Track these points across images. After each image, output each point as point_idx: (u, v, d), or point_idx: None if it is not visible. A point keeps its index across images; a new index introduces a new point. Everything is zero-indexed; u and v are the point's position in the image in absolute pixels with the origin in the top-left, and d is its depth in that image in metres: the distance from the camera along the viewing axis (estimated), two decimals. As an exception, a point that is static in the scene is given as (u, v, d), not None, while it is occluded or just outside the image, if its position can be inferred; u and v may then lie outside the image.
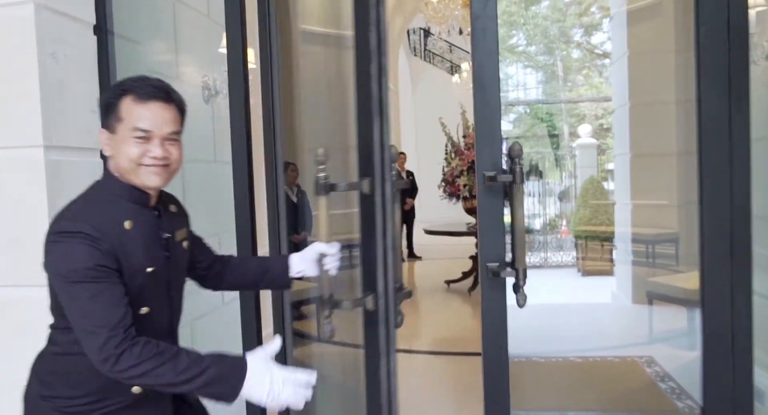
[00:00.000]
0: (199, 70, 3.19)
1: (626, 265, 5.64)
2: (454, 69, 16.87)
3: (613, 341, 4.11)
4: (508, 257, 1.93)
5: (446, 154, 6.74)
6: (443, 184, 6.62)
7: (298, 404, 1.30)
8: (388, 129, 1.93)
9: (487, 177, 1.87)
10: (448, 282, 6.89)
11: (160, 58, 2.91)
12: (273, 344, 1.38)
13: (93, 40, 2.15)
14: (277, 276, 1.83)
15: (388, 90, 2.04)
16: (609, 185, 11.36)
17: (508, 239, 1.92)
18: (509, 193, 1.85)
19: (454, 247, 9.30)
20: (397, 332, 1.96)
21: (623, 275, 5.69)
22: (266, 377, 1.28)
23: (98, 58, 2.16)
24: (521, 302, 1.85)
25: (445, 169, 6.68)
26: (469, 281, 6.58)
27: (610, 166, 13.06)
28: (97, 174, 1.48)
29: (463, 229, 7.07)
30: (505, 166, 1.89)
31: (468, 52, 16.53)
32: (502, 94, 1.96)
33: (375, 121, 1.90)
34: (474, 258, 6.63)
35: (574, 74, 21.83)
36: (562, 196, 11.49)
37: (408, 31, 16.76)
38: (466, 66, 14.08)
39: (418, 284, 7.86)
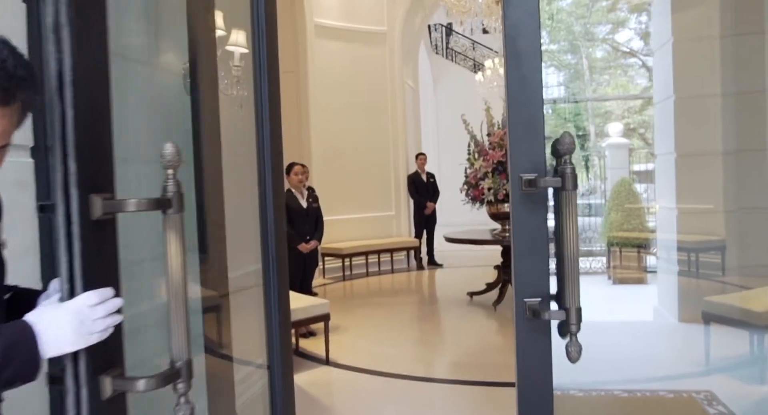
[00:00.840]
0: (181, 57, 2.75)
1: (670, 276, 5.06)
2: (477, 67, 16.34)
3: (662, 370, 3.54)
4: (553, 288, 1.43)
5: (469, 154, 6.22)
6: (465, 187, 6.11)
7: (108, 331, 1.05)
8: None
9: (524, 181, 1.37)
10: (471, 294, 6.37)
11: (131, 40, 2.46)
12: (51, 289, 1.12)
13: (21, 7, 1.68)
14: None
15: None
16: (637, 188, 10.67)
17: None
18: (556, 202, 1.35)
19: (478, 254, 8.80)
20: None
21: (667, 288, 5.11)
22: (62, 313, 1.01)
23: (28, 30, 1.70)
24: (574, 355, 1.34)
25: (468, 171, 6.16)
26: (494, 293, 6.05)
27: (638, 167, 12.40)
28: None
29: (487, 236, 6.55)
30: (548, 168, 1.38)
31: (491, 49, 15.99)
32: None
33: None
34: (499, 268, 6.10)
35: (599, 73, 21.10)
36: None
37: (429, 28, 16.29)
38: (489, 63, 13.49)
39: (439, 294, 7.36)
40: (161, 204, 1.14)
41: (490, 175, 5.79)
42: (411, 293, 7.34)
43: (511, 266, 1.48)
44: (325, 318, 4.27)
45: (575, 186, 1.31)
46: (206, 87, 2.75)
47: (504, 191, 5.71)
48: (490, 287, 6.22)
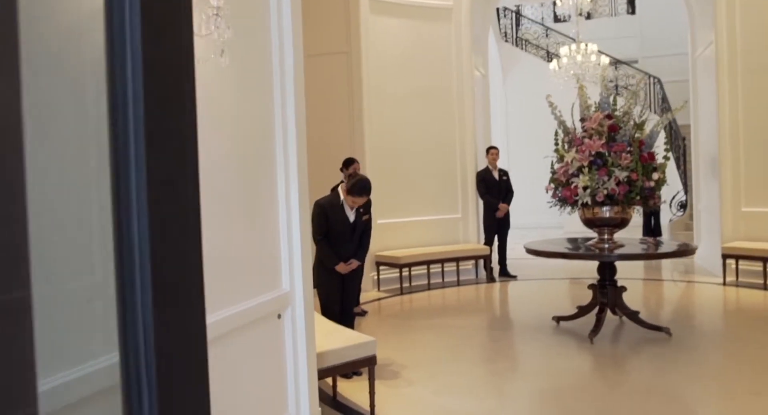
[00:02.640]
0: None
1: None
2: (550, 56, 14.88)
3: None
4: None
5: (556, 144, 4.98)
6: (552, 185, 4.87)
7: None
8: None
9: None
10: (558, 319, 5.12)
11: None
12: None
13: None
14: None
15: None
16: None
17: None
18: None
19: (559, 263, 7.52)
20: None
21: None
22: None
23: None
24: None
25: (556, 165, 4.92)
26: (588, 319, 4.78)
27: None
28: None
29: (575, 246, 5.28)
30: None
31: (566, 37, 14.47)
32: None
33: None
34: (595, 288, 4.83)
35: None
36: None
37: (498, 13, 14.96)
38: (565, 51, 12.10)
39: (514, 316, 6.11)
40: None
41: (585, 170, 4.53)
42: (481, 313, 6.14)
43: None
44: (369, 362, 3.17)
45: None
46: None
47: (605, 192, 4.44)
48: (582, 311, 4.95)
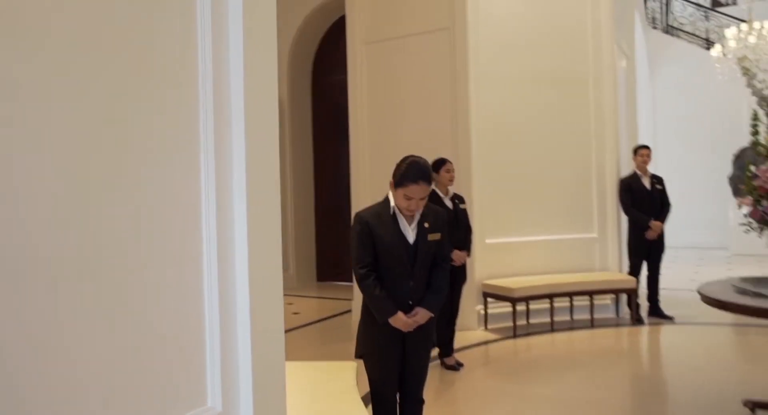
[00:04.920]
0: None
1: None
2: (710, 43, 12.36)
3: None
4: None
5: (756, 134, 3.21)
6: (750, 198, 3.11)
7: None
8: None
9: None
10: (753, 405, 3.32)
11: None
12: None
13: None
14: None
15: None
16: None
17: None
18: None
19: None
20: None
21: None
22: None
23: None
24: None
25: (753, 169, 3.16)
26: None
27: None
28: None
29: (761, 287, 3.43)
30: None
31: (733, 18, 11.88)
32: None
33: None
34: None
35: None
36: None
37: (645, -6, 12.69)
38: (732, 33, 9.81)
39: (676, 388, 4.26)
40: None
41: (813, 173, 2.76)
42: (624, 378, 4.38)
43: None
44: None
45: None
46: None
47: None
48: (798, 396, 3.13)
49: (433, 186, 4.38)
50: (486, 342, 5.08)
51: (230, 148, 1.27)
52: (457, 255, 4.22)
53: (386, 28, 5.83)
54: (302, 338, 5.52)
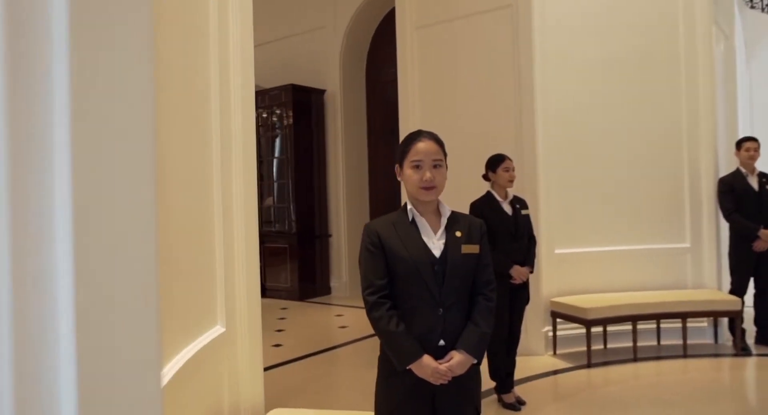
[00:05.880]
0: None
1: None
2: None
3: None
4: None
5: None
6: None
7: None
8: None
9: None
10: None
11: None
12: None
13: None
14: None
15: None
16: None
17: None
18: None
19: None
20: None
21: None
22: None
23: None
24: None
25: None
26: None
27: None
28: None
29: None
30: None
31: None
32: None
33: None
34: None
35: None
36: None
37: (742, -29, 11.34)
38: None
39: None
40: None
41: None
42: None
43: None
44: None
45: None
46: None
47: None
48: None
49: (489, 188, 3.73)
50: (554, 371, 4.32)
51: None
52: (517, 271, 3.51)
53: (439, 9, 5.17)
54: (346, 358, 4.96)
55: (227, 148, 2.21)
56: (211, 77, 2.14)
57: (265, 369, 4.64)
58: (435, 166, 1.83)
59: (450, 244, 1.84)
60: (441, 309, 1.81)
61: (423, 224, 1.86)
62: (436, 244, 1.84)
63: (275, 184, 7.83)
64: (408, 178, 1.85)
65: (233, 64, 2.28)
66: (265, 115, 7.84)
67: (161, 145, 1.56)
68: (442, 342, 1.82)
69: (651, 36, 5.02)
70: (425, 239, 1.84)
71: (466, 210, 3.60)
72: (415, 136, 1.88)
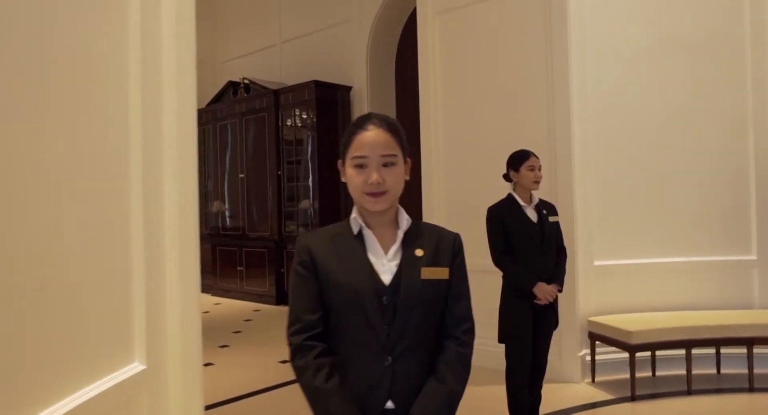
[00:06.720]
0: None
1: None
2: None
3: None
4: None
5: None
6: None
7: None
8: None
9: None
10: None
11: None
12: None
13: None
14: None
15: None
16: None
17: None
18: None
19: None
20: None
21: None
22: None
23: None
24: None
25: None
26: None
27: None
28: None
29: None
30: None
31: None
32: None
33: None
34: None
35: None
36: None
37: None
38: None
39: None
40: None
41: None
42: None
43: None
44: None
45: None
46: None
47: None
48: None
49: (510, 190, 3.19)
50: (592, 404, 3.71)
51: None
52: (542, 290, 2.94)
53: (463, -9, 4.64)
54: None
55: (154, 146, 1.77)
56: (131, 58, 1.69)
57: (272, 388, 4.25)
58: (386, 165, 1.33)
59: (406, 266, 1.33)
60: (389, 357, 1.30)
61: (371, 240, 1.36)
62: (386, 266, 1.34)
63: (309, 185, 7.44)
64: (350, 179, 1.35)
65: (166, 40, 1.84)
66: (290, 114, 7.48)
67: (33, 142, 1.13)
68: (390, 404, 1.31)
69: (708, 15, 4.34)
70: (372, 258, 1.34)
71: (484, 218, 3.07)
72: (360, 123, 1.37)
